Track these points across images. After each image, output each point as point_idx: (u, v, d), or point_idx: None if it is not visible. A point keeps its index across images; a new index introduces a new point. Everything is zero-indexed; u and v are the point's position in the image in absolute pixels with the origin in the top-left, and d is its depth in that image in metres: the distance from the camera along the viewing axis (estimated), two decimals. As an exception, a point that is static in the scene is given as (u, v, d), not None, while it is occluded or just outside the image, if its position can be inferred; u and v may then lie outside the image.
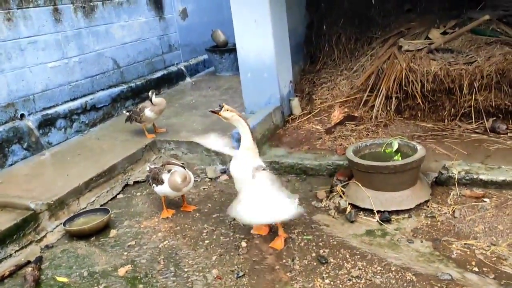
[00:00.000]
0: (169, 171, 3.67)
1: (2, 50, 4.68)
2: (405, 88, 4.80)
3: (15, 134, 4.72)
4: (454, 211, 3.34)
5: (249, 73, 5.22)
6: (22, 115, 4.91)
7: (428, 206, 3.44)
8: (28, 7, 4.97)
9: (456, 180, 3.59)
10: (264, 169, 3.06)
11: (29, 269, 3.12)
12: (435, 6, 5.87)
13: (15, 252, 3.43)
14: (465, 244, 2.98)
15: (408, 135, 4.46)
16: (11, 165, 4.65)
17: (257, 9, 4.85)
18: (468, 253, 2.91)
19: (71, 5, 5.54)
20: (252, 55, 5.10)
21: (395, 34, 5.66)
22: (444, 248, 2.97)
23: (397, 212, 3.41)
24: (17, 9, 4.84)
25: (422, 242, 3.07)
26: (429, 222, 3.28)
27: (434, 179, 3.71)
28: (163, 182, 3.66)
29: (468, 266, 2.78)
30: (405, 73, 4.77)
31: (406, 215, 3.38)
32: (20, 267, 3.26)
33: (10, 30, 4.77)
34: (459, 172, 3.61)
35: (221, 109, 3.14)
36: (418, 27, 5.48)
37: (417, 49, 4.97)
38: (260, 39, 4.98)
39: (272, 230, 3.41)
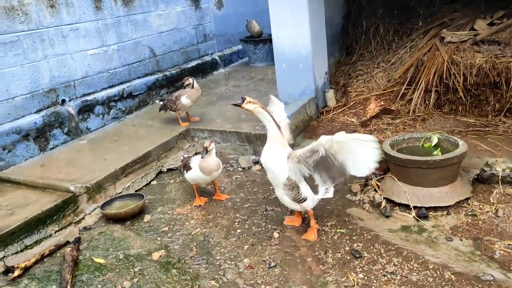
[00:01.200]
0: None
1: (45, 37, 4.83)
2: (446, 81, 4.64)
3: (56, 119, 4.87)
4: (497, 210, 3.20)
5: (284, 63, 5.17)
6: (63, 101, 5.06)
7: (468, 204, 3.32)
8: (71, -5, 5.10)
9: (499, 178, 3.44)
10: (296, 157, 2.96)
11: (68, 249, 3.22)
12: (481, -4, 5.62)
13: (55, 232, 3.55)
14: (508, 244, 2.86)
15: (447, 130, 4.30)
16: (52, 148, 4.81)
17: (295, -2, 4.78)
18: None
19: (111, -7, 5.64)
20: (287, 45, 5.04)
21: (437, 25, 5.46)
22: (486, 248, 2.86)
23: (435, 208, 3.31)
24: (60, -4, 4.97)
25: (462, 240, 2.97)
26: (469, 221, 3.16)
27: (475, 176, 3.57)
28: (192, 168, 3.70)
29: None
30: (447, 66, 4.60)
31: (445, 212, 3.28)
32: (59, 247, 3.38)
33: (53, 17, 4.91)
34: (503, 170, 3.46)
35: (243, 101, 3.07)
36: (463, 17, 5.26)
37: (460, 40, 4.77)
38: (297, 29, 4.91)
39: (305, 222, 3.39)
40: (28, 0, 4.63)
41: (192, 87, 5.01)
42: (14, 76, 4.53)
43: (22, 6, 4.57)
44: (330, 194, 3.15)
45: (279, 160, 3.01)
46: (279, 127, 3.08)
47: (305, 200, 3.07)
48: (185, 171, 3.82)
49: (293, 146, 4.38)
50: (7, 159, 4.38)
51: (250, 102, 3.07)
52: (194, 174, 3.72)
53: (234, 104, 3.13)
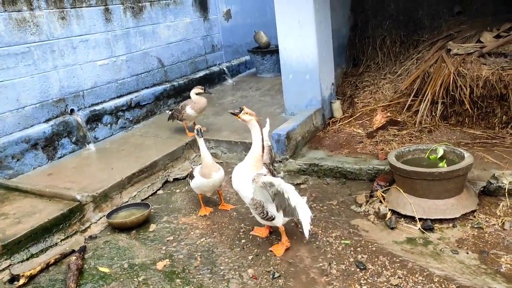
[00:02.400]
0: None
1: (56, 47, 4.92)
2: (453, 93, 4.63)
3: (65, 128, 4.94)
4: (503, 223, 3.17)
5: (291, 74, 5.21)
6: (72, 110, 5.13)
7: (474, 217, 3.29)
8: (81, 7, 5.19)
9: (506, 190, 3.41)
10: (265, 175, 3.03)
11: (73, 258, 3.25)
12: (487, 9, 5.62)
13: (60, 241, 3.58)
14: (514, 258, 2.83)
15: (454, 142, 4.29)
16: (60, 157, 4.87)
17: (301, 9, 4.83)
18: (518, 267, 2.75)
19: (121, 5, 5.74)
20: (294, 56, 5.08)
21: (443, 37, 5.47)
22: (492, 261, 2.83)
23: (441, 221, 3.28)
24: (71, 8, 5.07)
25: (467, 253, 2.94)
26: (475, 233, 3.14)
27: (482, 189, 3.55)
28: (195, 176, 3.74)
29: (517, 282, 2.64)
30: (453, 78, 4.60)
31: (450, 225, 3.25)
32: (64, 255, 3.40)
33: (64, 29, 5.00)
34: (510, 182, 3.43)
35: (241, 111, 3.14)
36: (469, 30, 5.27)
37: (467, 52, 4.77)
38: (303, 40, 4.96)
39: (277, 235, 3.41)
40: (39, 12, 4.73)
41: (205, 90, 5.06)
42: (24, 86, 4.61)
43: (33, 18, 4.67)
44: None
45: (245, 181, 3.09)
46: (263, 146, 3.16)
47: (273, 219, 3.10)
48: (190, 181, 3.85)
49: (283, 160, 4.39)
50: (15, 167, 4.44)
51: (247, 113, 3.14)
52: (197, 182, 3.74)
53: (232, 113, 3.20)
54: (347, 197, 3.89)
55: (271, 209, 3.05)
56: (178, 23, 6.80)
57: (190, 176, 3.84)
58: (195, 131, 3.77)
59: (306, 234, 2.95)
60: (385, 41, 6.18)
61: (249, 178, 3.05)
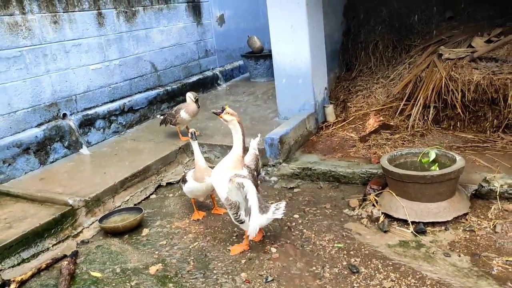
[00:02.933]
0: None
1: (48, 52, 4.89)
2: (445, 97, 4.67)
3: (57, 132, 4.91)
4: (495, 226, 3.19)
5: (284, 79, 5.22)
6: (64, 115, 5.10)
7: (466, 220, 3.31)
8: (74, 11, 5.18)
9: (498, 193, 3.44)
10: (245, 177, 3.06)
11: (65, 263, 3.22)
12: (478, 14, 5.69)
13: (52, 246, 3.54)
14: (506, 260, 2.84)
15: (446, 146, 4.32)
16: (52, 162, 4.84)
17: (294, 14, 4.86)
18: (510, 270, 2.76)
19: (114, 10, 5.73)
20: (287, 60, 5.10)
21: (435, 42, 5.52)
22: (484, 264, 2.85)
23: (433, 224, 3.30)
24: (63, 12, 5.06)
25: (459, 256, 2.95)
26: (467, 236, 3.15)
27: (473, 192, 3.57)
28: (187, 181, 3.73)
29: (509, 284, 2.65)
30: (445, 82, 4.64)
31: (443, 228, 3.27)
32: (56, 260, 3.37)
33: (56, 33, 4.99)
34: (501, 186, 3.46)
35: (223, 111, 3.17)
36: (460, 35, 5.32)
37: (458, 57, 4.82)
38: (296, 45, 4.98)
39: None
40: (31, 16, 4.71)
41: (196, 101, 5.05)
42: (16, 90, 4.58)
43: (25, 22, 4.65)
44: (278, 215, 3.07)
45: (222, 179, 3.13)
46: (244, 148, 3.20)
47: (242, 222, 3.13)
48: (183, 185, 3.84)
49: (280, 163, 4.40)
50: (7, 172, 4.40)
51: (229, 113, 3.17)
52: (190, 186, 3.73)
53: (214, 113, 3.25)
54: (340, 201, 3.90)
55: (243, 213, 3.08)
56: (172, 28, 6.80)
57: (183, 180, 3.83)
58: (189, 134, 3.77)
59: (251, 236, 2.97)
60: (378, 46, 6.23)
61: (226, 177, 3.08)
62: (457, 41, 5.23)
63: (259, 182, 3.48)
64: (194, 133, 3.74)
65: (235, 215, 3.12)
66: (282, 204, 3.11)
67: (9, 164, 4.42)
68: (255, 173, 3.46)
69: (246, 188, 2.93)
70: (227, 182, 3.06)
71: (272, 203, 3.15)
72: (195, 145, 3.72)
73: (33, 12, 4.72)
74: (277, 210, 3.07)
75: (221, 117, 3.19)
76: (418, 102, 4.86)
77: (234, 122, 3.18)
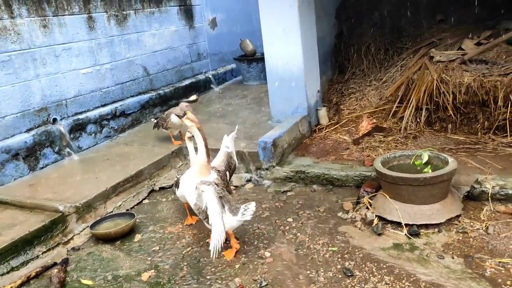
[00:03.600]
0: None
1: (37, 56, 4.84)
2: (436, 99, 4.68)
3: (47, 137, 4.85)
4: (487, 227, 3.19)
5: (276, 82, 5.21)
6: (54, 120, 5.04)
7: (459, 221, 3.31)
8: (64, 15, 5.13)
9: (489, 195, 3.44)
10: (209, 185, 3.07)
11: (55, 270, 3.16)
12: (468, 17, 5.73)
13: (42, 253, 3.49)
14: (499, 262, 2.84)
15: (438, 148, 4.32)
16: (42, 168, 4.77)
17: (286, 17, 4.85)
18: (503, 271, 2.76)
19: (105, 13, 5.69)
20: (280, 64, 5.10)
21: (426, 45, 5.55)
22: (477, 266, 2.84)
23: (426, 226, 3.29)
24: (53, 16, 5.01)
25: (453, 258, 2.95)
26: (460, 238, 3.15)
27: (466, 194, 3.58)
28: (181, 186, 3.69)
29: (503, 285, 2.65)
30: (437, 84, 4.66)
31: (436, 230, 3.26)
32: (46, 268, 3.32)
33: (46, 37, 4.94)
34: (493, 187, 3.46)
35: (184, 115, 3.25)
36: (451, 37, 5.36)
37: (449, 60, 4.84)
38: (289, 48, 4.97)
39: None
40: (20, 20, 4.66)
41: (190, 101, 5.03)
42: (5, 95, 4.52)
43: (14, 26, 4.60)
44: (247, 217, 3.09)
45: (189, 187, 3.21)
46: (208, 154, 3.24)
47: None
48: (176, 189, 3.80)
49: (278, 164, 4.38)
50: (-4, 178, 4.34)
51: (189, 119, 3.23)
52: (183, 190, 3.69)
53: (177, 115, 3.32)
54: (334, 204, 3.89)
55: None
56: (164, 31, 6.77)
57: (176, 185, 3.79)
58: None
59: (211, 252, 2.85)
60: (370, 48, 6.25)
61: (193, 185, 3.13)
62: (448, 44, 5.26)
63: (233, 185, 3.43)
64: (186, 113, 3.70)
65: (206, 219, 3.11)
66: (251, 205, 3.12)
67: (-2, 170, 4.36)
68: (228, 172, 3.46)
69: (204, 195, 2.95)
70: (194, 189, 3.11)
71: (242, 205, 3.16)
72: (190, 148, 3.70)
73: (22, 16, 4.67)
74: (246, 211, 3.07)
75: (183, 121, 3.30)
76: (410, 104, 4.87)
77: (194, 128, 3.24)
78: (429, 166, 3.50)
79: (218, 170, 3.37)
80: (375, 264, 2.99)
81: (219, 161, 3.49)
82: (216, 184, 3.15)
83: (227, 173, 3.50)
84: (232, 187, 4.48)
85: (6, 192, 4.21)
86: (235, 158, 3.70)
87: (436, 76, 4.66)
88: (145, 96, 6.31)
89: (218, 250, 2.86)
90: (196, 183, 3.10)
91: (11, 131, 4.58)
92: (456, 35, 5.37)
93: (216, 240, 2.86)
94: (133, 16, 6.15)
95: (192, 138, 3.69)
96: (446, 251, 3.03)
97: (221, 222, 2.91)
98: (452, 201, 3.38)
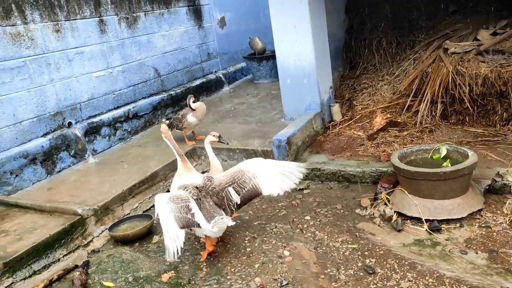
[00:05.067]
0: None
1: (51, 61, 4.88)
2: (452, 92, 4.62)
3: (63, 141, 4.89)
4: (511, 221, 3.14)
5: (288, 79, 5.18)
6: (69, 123, 5.08)
7: (481, 215, 3.26)
8: (76, 19, 5.16)
9: (511, 188, 3.38)
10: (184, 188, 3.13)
11: (76, 273, 3.19)
12: (483, 6, 5.63)
13: (63, 256, 3.52)
14: (525, 256, 2.80)
15: (456, 141, 4.26)
16: (59, 171, 4.82)
17: (297, 14, 4.82)
18: (529, 266, 2.72)
19: (116, 16, 5.71)
20: (291, 61, 5.07)
21: (440, 37, 5.47)
22: (502, 260, 2.79)
23: (448, 221, 3.25)
24: (65, 21, 5.04)
25: (477, 253, 2.90)
26: (483, 233, 3.10)
27: (487, 187, 3.52)
28: None
29: (529, 280, 2.60)
30: (452, 77, 4.59)
31: (458, 225, 3.22)
32: (68, 271, 3.34)
33: (59, 41, 4.97)
34: (514, 180, 3.40)
35: (219, 138, 3.80)
36: (465, 28, 5.27)
37: (464, 51, 4.77)
38: (300, 45, 4.94)
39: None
40: (34, 26, 4.70)
41: (189, 106, 4.99)
42: (21, 100, 4.57)
43: (28, 32, 4.64)
44: (214, 229, 2.95)
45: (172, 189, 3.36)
46: (181, 156, 3.39)
47: (191, 230, 3.11)
48: None
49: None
50: (14, 183, 4.38)
51: (162, 132, 3.45)
52: None
53: (213, 139, 3.77)
54: (351, 201, 3.86)
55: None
56: (173, 32, 6.78)
57: None
58: (216, 138, 3.81)
59: (165, 253, 2.75)
60: (381, 42, 6.18)
61: (174, 187, 3.33)
62: (462, 35, 5.18)
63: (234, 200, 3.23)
64: (221, 136, 3.83)
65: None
66: (226, 218, 2.98)
67: (17, 175, 4.40)
68: (234, 189, 3.21)
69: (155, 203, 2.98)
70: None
71: (220, 216, 3.03)
72: (209, 148, 3.69)
73: (35, 22, 4.71)
74: (217, 222, 2.94)
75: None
76: (425, 97, 4.81)
77: (164, 137, 3.44)
78: (448, 160, 3.45)
79: (209, 179, 3.24)
80: (397, 260, 2.96)
81: (228, 174, 3.29)
82: (197, 187, 3.14)
83: (231, 189, 3.23)
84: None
85: (25, 196, 4.25)
86: (249, 178, 3.27)
87: (452, 68, 4.59)
88: (157, 97, 6.33)
89: (174, 252, 2.72)
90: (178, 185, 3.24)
91: (28, 136, 4.63)
92: (470, 25, 5.28)
93: (168, 242, 2.74)
94: (143, 18, 6.17)
95: (213, 142, 3.79)
96: (469, 246, 2.98)
97: (169, 226, 2.79)
98: (473, 195, 3.33)
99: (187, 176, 3.30)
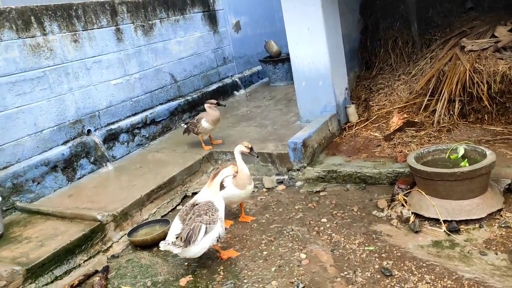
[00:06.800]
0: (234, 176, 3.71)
1: (70, 70, 5.01)
2: (470, 90, 4.54)
3: (83, 149, 5.00)
4: (532, 221, 3.07)
5: (303, 81, 5.18)
6: (88, 131, 5.19)
7: (501, 216, 3.20)
8: (93, 28, 5.29)
9: (532, 187, 3.31)
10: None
11: (96, 278, 3.26)
12: (499, 3, 5.52)
13: (83, 261, 3.59)
14: (547, 257, 2.73)
15: (474, 140, 4.19)
16: (80, 178, 4.93)
17: (310, 16, 4.82)
18: (551, 267, 2.65)
19: (132, 24, 5.82)
20: (306, 63, 5.07)
21: (456, 35, 5.38)
22: (523, 262, 2.74)
23: (466, 222, 3.19)
24: (83, 30, 5.17)
25: (496, 254, 2.84)
26: (503, 233, 3.04)
27: (506, 187, 3.45)
28: (226, 186, 3.69)
29: (552, 282, 2.54)
30: (469, 75, 4.51)
31: (477, 225, 3.16)
32: (88, 276, 3.41)
33: (77, 51, 5.10)
34: (536, 179, 3.32)
35: (251, 150, 3.82)
36: (482, 25, 5.17)
37: (481, 48, 4.69)
38: (314, 47, 4.94)
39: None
40: (52, 37, 4.83)
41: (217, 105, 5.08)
42: (41, 110, 4.70)
43: (47, 43, 4.77)
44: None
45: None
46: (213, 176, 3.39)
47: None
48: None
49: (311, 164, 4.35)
50: (36, 191, 4.50)
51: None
52: (229, 192, 3.68)
53: (242, 150, 3.76)
54: (368, 202, 3.83)
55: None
56: (189, 38, 6.87)
57: (221, 186, 3.78)
58: (248, 150, 3.80)
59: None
60: (397, 42, 6.12)
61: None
62: (479, 32, 5.09)
63: None
64: (252, 148, 3.82)
65: None
66: (167, 245, 3.00)
67: (38, 183, 4.52)
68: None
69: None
70: None
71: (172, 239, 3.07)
72: (238, 156, 3.76)
73: (53, 33, 4.84)
74: (164, 245, 3.01)
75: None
76: (442, 96, 4.74)
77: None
78: (466, 160, 3.39)
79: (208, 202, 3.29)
80: (414, 262, 2.92)
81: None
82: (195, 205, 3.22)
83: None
84: (264, 190, 4.49)
85: (47, 203, 4.36)
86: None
87: (469, 66, 4.52)
88: (174, 103, 6.41)
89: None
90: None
91: (49, 144, 4.75)
92: (487, 22, 5.18)
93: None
94: (158, 25, 6.27)
95: (255, 155, 3.88)
96: (488, 247, 2.93)
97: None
98: (492, 195, 3.27)
99: (202, 190, 3.38)
